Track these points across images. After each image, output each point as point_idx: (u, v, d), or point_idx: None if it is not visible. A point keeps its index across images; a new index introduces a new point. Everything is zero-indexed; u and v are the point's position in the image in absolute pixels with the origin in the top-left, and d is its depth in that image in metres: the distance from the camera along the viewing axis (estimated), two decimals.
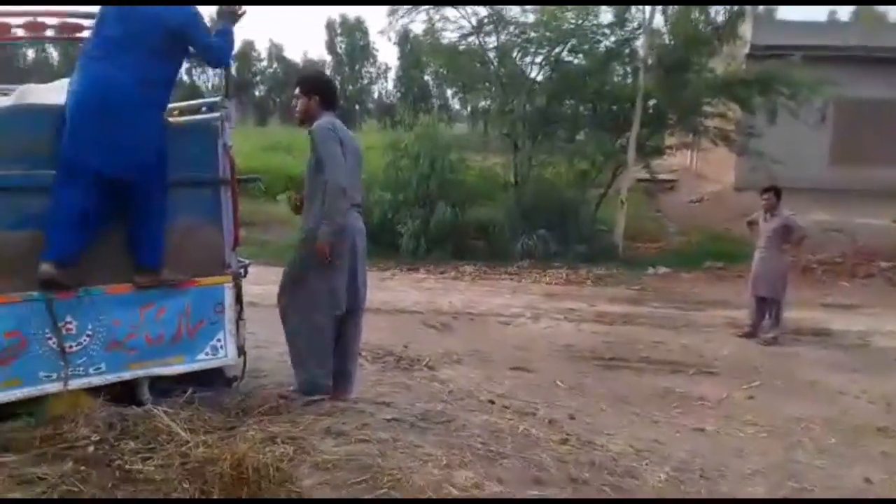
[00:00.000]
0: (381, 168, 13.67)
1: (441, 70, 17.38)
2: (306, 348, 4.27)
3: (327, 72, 54.41)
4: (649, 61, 13.51)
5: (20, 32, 4.09)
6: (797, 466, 4.35)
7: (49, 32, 4.23)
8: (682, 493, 3.69)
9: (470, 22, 14.05)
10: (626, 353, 7.05)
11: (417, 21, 14.81)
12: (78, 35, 4.15)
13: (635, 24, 13.85)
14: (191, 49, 4.00)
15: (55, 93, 4.08)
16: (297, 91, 4.46)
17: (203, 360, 4.12)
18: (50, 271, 3.67)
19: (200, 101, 4.79)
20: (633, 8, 13.64)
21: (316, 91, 4.39)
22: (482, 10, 13.81)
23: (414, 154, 13.31)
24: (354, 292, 4.37)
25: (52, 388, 3.69)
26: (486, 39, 14.39)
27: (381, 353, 6.29)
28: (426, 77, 37.53)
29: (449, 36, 14.61)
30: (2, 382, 3.63)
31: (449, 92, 28.91)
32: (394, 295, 9.49)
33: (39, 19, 4.12)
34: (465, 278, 11.21)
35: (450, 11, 14.04)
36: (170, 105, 4.28)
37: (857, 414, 5.47)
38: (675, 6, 14.21)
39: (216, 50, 4.06)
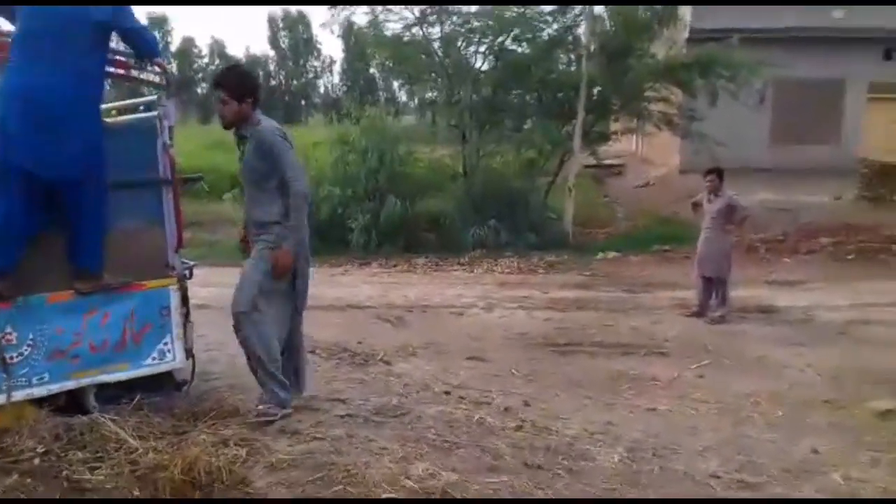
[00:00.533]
0: (329, 163, 13.55)
1: (386, 62, 17.28)
2: (267, 371, 4.06)
3: (270, 67, 54.11)
4: (592, 48, 13.64)
5: None
6: (747, 441, 4.44)
7: None
8: (636, 472, 3.74)
9: (413, 13, 14.00)
10: (579, 338, 7.12)
11: (360, 13, 14.69)
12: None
13: (577, 11, 13.96)
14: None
15: None
16: (223, 95, 4.06)
17: (150, 365, 4.04)
18: None
19: (138, 100, 4.68)
20: None
21: (247, 94, 4.08)
22: None
23: (361, 148, 13.22)
24: (303, 294, 4.30)
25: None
26: (430, 30, 14.39)
27: (335, 349, 6.23)
28: (372, 70, 37.37)
29: (392, 27, 14.56)
30: None
31: (395, 84, 28.83)
32: (346, 291, 9.42)
33: None
34: (418, 271, 11.21)
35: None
36: (107, 105, 4.18)
37: (803, 387, 5.61)
38: None
39: (149, 36, 4.00)
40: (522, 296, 9.13)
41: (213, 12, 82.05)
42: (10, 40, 3.76)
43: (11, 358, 3.67)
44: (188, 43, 49.21)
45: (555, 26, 14.17)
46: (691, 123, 13.91)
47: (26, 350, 3.72)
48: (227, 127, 4.17)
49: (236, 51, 53.73)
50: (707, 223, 8.01)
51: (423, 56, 14.77)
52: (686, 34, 16.23)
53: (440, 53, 14.56)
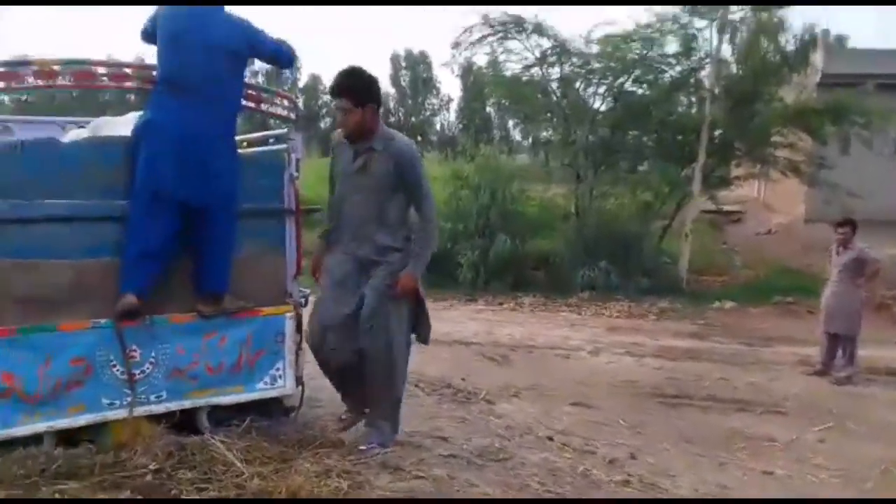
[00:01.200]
0: (443, 199, 13.72)
1: (503, 101, 17.46)
2: (396, 408, 4.04)
3: (391, 104, 55.72)
4: (716, 91, 13.28)
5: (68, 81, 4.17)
6: None
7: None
8: None
9: (533, 53, 14.10)
10: (691, 391, 6.83)
11: (480, 53, 14.93)
12: (128, 84, 4.25)
13: (702, 54, 13.67)
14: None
15: (125, 125, 4.20)
16: (345, 103, 3.75)
17: (262, 390, 4.13)
18: (132, 302, 3.75)
19: (268, 132, 4.88)
20: (700, 38, 13.48)
21: (370, 98, 3.74)
22: (545, 42, 13.86)
23: (475, 185, 13.33)
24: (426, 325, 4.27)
25: (115, 415, 3.75)
26: (549, 70, 14.41)
27: (438, 385, 6.23)
28: (488, 108, 37.78)
29: (512, 67, 14.69)
30: (67, 409, 3.70)
31: (510, 123, 29.03)
32: (452, 326, 9.43)
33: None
34: (525, 310, 11.11)
35: (513, 44, 14.16)
36: (238, 137, 4.37)
37: None
38: (744, 35, 13.94)
39: (284, 51, 4.16)
40: (632, 342, 8.87)
41: (340, 51, 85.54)
42: (154, 74, 4.00)
43: (134, 375, 3.83)
44: (315, 80, 51.25)
45: (678, 68, 13.90)
46: (820, 171, 13.27)
47: (148, 368, 3.88)
48: (351, 140, 3.84)
49: None
50: (834, 276, 7.57)
51: (540, 96, 14.82)
52: (817, 79, 15.55)
53: (558, 93, 14.56)
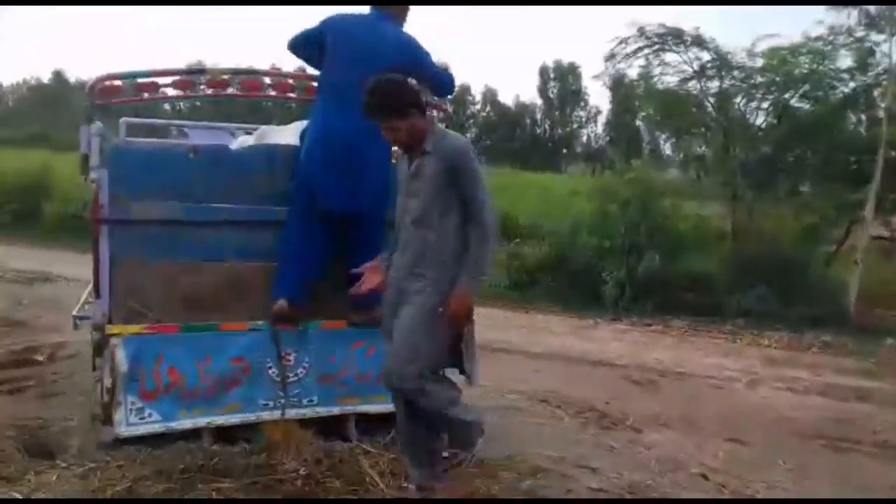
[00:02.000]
0: (588, 212, 13.41)
1: (654, 114, 16.91)
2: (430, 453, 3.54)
3: (537, 115, 55.62)
4: (894, 109, 12.22)
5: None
6: None
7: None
8: None
9: (691, 66, 13.55)
10: (859, 435, 6.22)
11: (635, 66, 14.52)
12: (291, 95, 4.36)
13: (879, 70, 12.63)
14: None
15: (290, 134, 4.33)
16: (385, 123, 3.45)
17: None
18: (284, 307, 3.86)
19: None
20: (878, 52, 12.47)
21: (411, 103, 3.43)
22: (705, 55, 13.29)
23: (623, 199, 12.93)
24: (472, 355, 3.63)
25: (269, 416, 3.85)
26: (707, 84, 13.80)
27: (582, 407, 6.02)
28: (638, 122, 36.89)
29: (668, 80, 14.19)
30: (224, 407, 3.83)
31: (661, 136, 28.14)
32: (595, 346, 9.15)
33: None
34: (673, 333, 10.61)
35: (670, 56, 13.65)
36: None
37: None
38: None
39: (445, 79, 4.14)
40: (792, 376, 8.23)
41: (489, 61, 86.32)
42: (316, 84, 4.09)
43: (288, 378, 3.92)
44: (463, 90, 52.10)
45: (851, 84, 12.91)
46: None
47: (301, 372, 3.98)
48: (407, 150, 3.57)
49: (507, 98, 55.94)
50: None
51: (695, 110, 14.22)
52: None
53: (715, 108, 13.92)
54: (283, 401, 3.89)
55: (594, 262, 12.48)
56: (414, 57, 4.01)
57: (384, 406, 4.06)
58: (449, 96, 4.35)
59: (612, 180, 13.96)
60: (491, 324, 8.60)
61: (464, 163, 3.36)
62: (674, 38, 13.32)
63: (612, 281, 12.10)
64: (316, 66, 4.17)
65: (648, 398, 6.88)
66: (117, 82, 3.93)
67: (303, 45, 4.12)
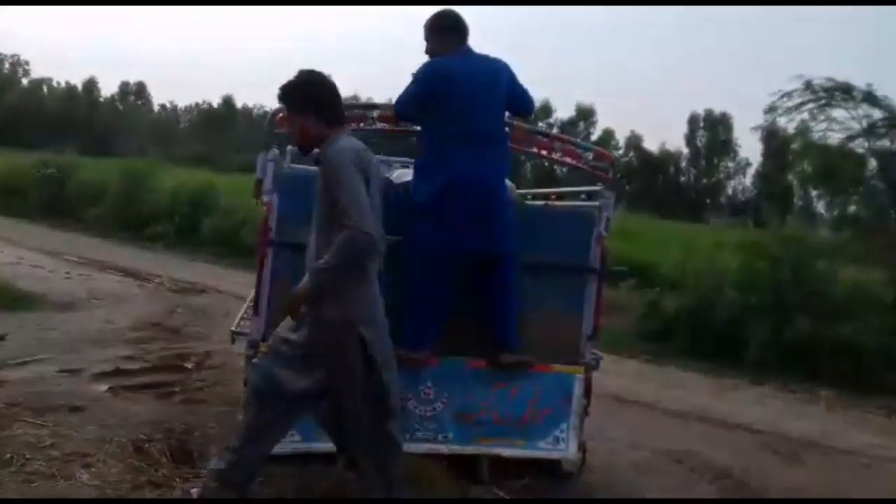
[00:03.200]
0: (734, 267, 12.84)
1: (811, 171, 16.07)
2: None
3: (682, 164, 54.15)
4: None
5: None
6: None
7: None
8: None
9: (860, 124, 12.80)
10: None
11: (796, 119, 13.87)
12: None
13: None
14: None
15: None
16: (287, 112, 3.44)
17: (543, 449, 4.06)
18: (423, 359, 3.91)
19: (581, 188, 4.88)
20: None
21: (307, 103, 3.27)
22: (876, 112, 12.53)
23: (774, 256, 12.30)
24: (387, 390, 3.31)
25: (405, 448, 3.88)
26: (875, 143, 12.99)
27: (718, 473, 5.73)
28: (790, 177, 35.19)
29: (832, 136, 13.47)
30: None
31: (814, 194, 26.66)
32: (734, 408, 8.69)
33: None
34: (821, 404, 9.90)
35: (837, 112, 12.96)
36: (548, 189, 4.40)
37: None
38: None
39: (530, 97, 4.14)
40: None
41: (635, 108, 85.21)
42: (417, 130, 4.09)
43: (425, 412, 3.95)
44: (608, 135, 51.70)
45: None
46: None
47: (439, 406, 3.99)
48: (302, 151, 3.49)
49: (652, 145, 54.81)
50: None
51: (856, 169, 13.40)
52: None
53: (879, 168, 13.07)
54: (419, 433, 3.92)
55: (737, 319, 11.90)
56: (509, 73, 4.02)
57: (521, 451, 4.03)
58: (530, 114, 4.28)
59: (763, 235, 13.32)
60: (622, 374, 8.38)
61: (330, 168, 3.15)
62: (842, 93, 12.66)
63: (755, 341, 11.49)
64: (429, 125, 4.08)
65: (790, 470, 6.44)
66: None
67: (416, 108, 4.02)
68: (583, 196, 4.70)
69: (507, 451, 4.02)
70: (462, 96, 3.85)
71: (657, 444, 6.24)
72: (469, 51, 4.04)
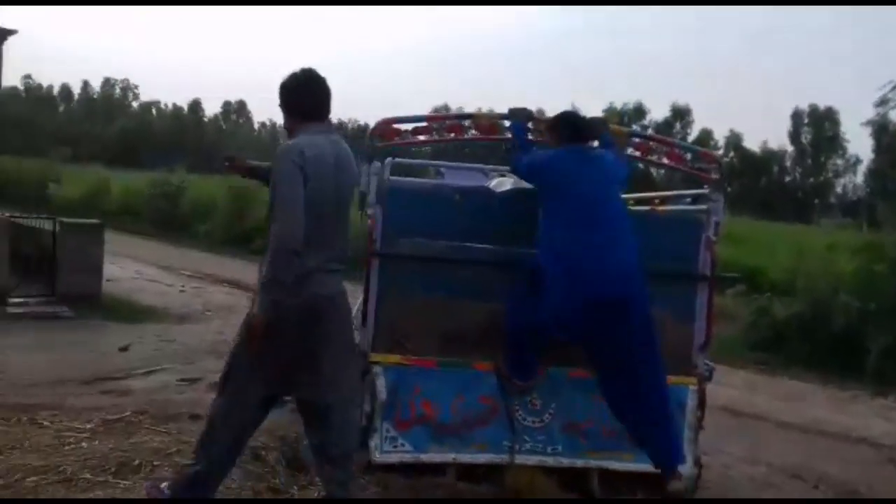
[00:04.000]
0: (850, 271, 12.17)
1: None
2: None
3: (787, 162, 51.85)
4: None
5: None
6: None
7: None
8: None
9: None
10: None
11: None
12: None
13: None
14: None
15: None
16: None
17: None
18: (525, 387, 3.90)
19: (688, 191, 4.74)
20: None
21: (283, 103, 3.30)
22: None
23: (892, 259, 11.59)
24: (316, 383, 3.16)
25: (514, 459, 3.86)
26: None
27: (841, 489, 5.47)
28: None
29: None
30: (471, 444, 3.90)
31: None
32: (855, 420, 8.23)
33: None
34: None
35: None
36: (651, 193, 4.29)
37: None
38: None
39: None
40: None
41: (734, 106, 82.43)
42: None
43: (534, 422, 3.92)
44: (706, 135, 50.16)
45: None
46: None
47: (547, 418, 3.96)
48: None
49: (753, 144, 52.77)
50: None
51: None
52: None
53: None
54: (528, 445, 3.89)
55: (855, 326, 11.27)
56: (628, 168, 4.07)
57: (631, 464, 3.94)
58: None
59: (879, 236, 12.58)
60: (732, 385, 8.08)
61: (273, 166, 3.13)
62: None
63: (876, 350, 10.85)
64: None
65: None
66: (404, 126, 4.21)
67: (538, 174, 4.01)
68: (688, 199, 4.56)
69: (616, 465, 3.92)
70: (579, 191, 3.78)
71: (774, 458, 5.98)
72: (587, 152, 4.01)
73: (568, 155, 3.88)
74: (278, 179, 3.01)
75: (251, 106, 74.63)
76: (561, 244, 3.72)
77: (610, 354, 3.67)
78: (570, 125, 4.04)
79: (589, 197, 3.75)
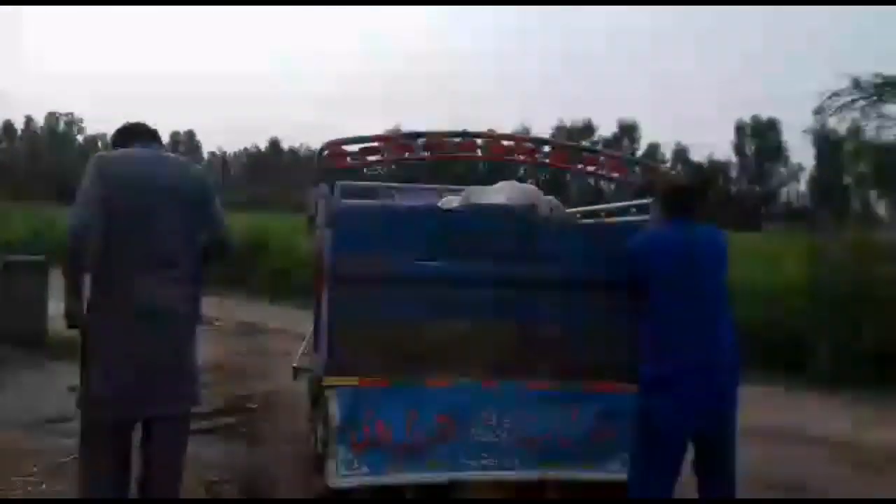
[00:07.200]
0: (794, 275, 12.49)
1: (867, 172, 15.62)
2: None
3: (732, 173, 53.00)
4: None
5: None
6: None
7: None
8: None
9: None
10: None
11: (847, 119, 13.52)
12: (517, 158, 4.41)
13: None
14: None
15: (497, 194, 4.43)
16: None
17: (614, 472, 3.95)
18: None
19: (629, 202, 4.82)
20: None
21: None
22: None
23: (835, 263, 11.92)
24: (141, 391, 3.19)
25: (471, 476, 3.85)
26: None
27: (792, 487, 5.56)
28: (847, 179, 34.30)
29: (888, 134, 13.08)
30: (427, 463, 3.88)
31: (873, 195, 25.88)
32: (805, 418, 8.42)
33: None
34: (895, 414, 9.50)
35: (892, 108, 12.61)
36: (595, 207, 4.35)
37: None
38: None
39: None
40: None
41: (681, 119, 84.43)
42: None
43: (490, 438, 3.93)
44: (653, 148, 51.26)
45: None
46: None
47: (503, 433, 3.95)
48: None
49: (699, 156, 53.95)
50: None
51: None
52: None
53: None
54: (485, 461, 3.89)
55: (800, 329, 11.54)
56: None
57: (587, 474, 3.95)
58: None
59: (824, 242, 12.93)
60: None
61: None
62: (892, 87, 12.30)
63: (821, 351, 11.12)
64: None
65: (868, 485, 6.18)
66: (349, 147, 4.21)
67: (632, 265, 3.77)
68: (633, 210, 4.63)
69: (574, 475, 3.94)
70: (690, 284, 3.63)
71: None
72: (683, 224, 3.74)
73: (675, 234, 3.70)
74: (83, 183, 3.19)
75: (199, 137, 73.90)
76: (665, 348, 3.60)
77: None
78: (680, 197, 3.77)
79: (697, 292, 3.62)
